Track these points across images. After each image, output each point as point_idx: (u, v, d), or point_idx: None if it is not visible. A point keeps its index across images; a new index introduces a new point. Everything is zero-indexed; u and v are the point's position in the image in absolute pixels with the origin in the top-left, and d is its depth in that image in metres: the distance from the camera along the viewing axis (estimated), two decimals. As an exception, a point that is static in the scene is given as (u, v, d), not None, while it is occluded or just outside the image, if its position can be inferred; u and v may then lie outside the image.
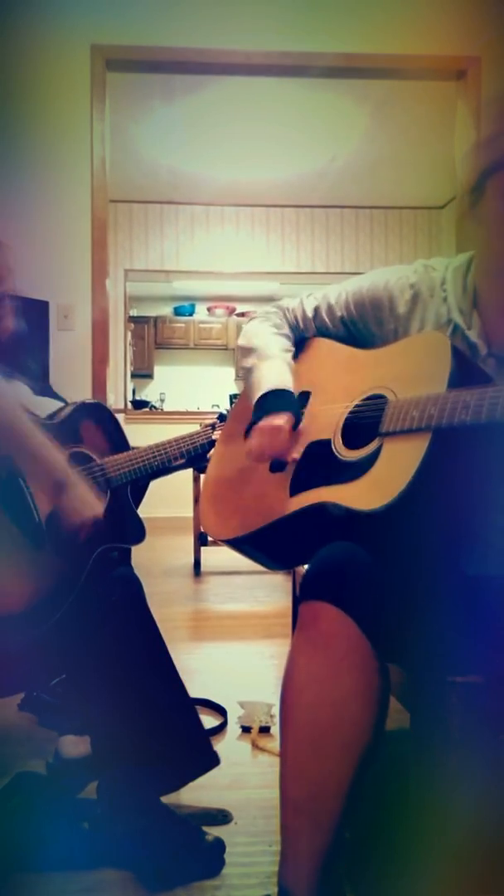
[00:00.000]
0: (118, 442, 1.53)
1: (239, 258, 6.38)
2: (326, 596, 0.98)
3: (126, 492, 1.49)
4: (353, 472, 1.05)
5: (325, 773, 0.96)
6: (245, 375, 1.32)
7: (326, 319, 1.29)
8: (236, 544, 1.25)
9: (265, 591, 3.47)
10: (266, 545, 1.22)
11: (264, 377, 1.23)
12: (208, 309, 8.34)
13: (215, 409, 7.25)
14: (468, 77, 3.29)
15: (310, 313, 1.31)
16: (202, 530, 3.94)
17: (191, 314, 8.33)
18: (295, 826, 0.98)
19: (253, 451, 1.18)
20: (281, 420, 1.17)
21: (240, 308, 8.19)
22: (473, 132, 3.31)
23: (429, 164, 5.30)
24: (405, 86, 3.91)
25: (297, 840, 0.97)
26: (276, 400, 1.20)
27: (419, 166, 5.44)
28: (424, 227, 6.55)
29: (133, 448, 1.53)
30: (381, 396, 1.09)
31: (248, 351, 1.32)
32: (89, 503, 1.27)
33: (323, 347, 1.30)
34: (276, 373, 1.24)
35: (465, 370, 1.00)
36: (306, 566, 1.08)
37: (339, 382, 1.20)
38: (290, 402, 1.21)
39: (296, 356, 1.32)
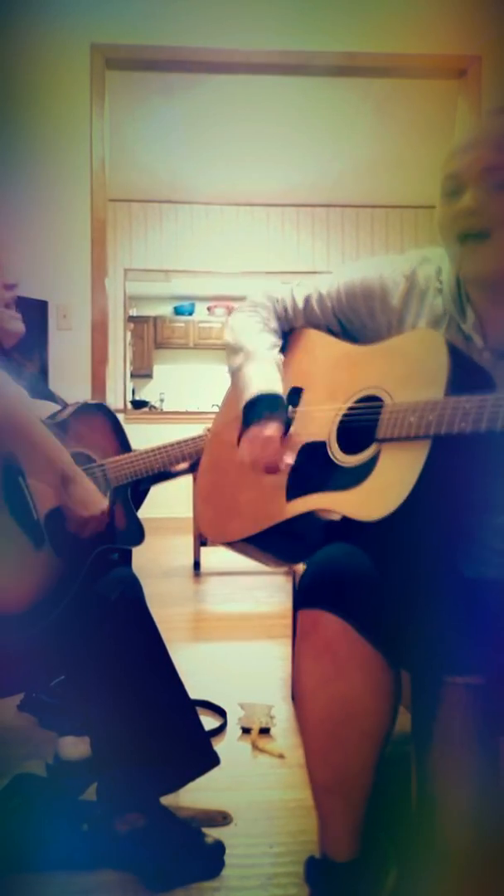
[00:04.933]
0: (120, 443, 1.53)
1: (239, 258, 6.36)
2: (324, 603, 0.99)
3: (126, 493, 1.48)
4: (351, 478, 1.03)
5: (348, 758, 1.01)
6: (233, 374, 1.29)
7: (317, 310, 1.27)
8: (234, 547, 1.25)
9: (265, 592, 3.46)
10: (265, 547, 1.22)
11: (252, 381, 1.21)
12: (208, 308, 8.32)
13: (215, 410, 7.22)
14: (469, 76, 3.29)
15: (300, 304, 1.28)
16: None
17: (190, 314, 8.30)
18: (327, 804, 1.05)
19: (246, 461, 1.17)
20: (270, 429, 1.15)
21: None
22: (474, 131, 3.31)
23: (430, 163, 5.26)
24: (406, 85, 3.90)
25: (331, 815, 1.05)
26: (264, 406, 1.18)
27: (420, 165, 5.42)
28: (425, 226, 6.54)
29: (134, 450, 1.52)
30: (376, 398, 1.07)
31: (235, 349, 1.28)
32: (95, 497, 1.27)
33: (315, 341, 1.27)
34: (263, 375, 1.21)
35: (463, 370, 0.99)
36: (303, 569, 1.08)
37: (331, 379, 1.19)
38: (279, 406, 1.18)
39: (286, 348, 1.29)
